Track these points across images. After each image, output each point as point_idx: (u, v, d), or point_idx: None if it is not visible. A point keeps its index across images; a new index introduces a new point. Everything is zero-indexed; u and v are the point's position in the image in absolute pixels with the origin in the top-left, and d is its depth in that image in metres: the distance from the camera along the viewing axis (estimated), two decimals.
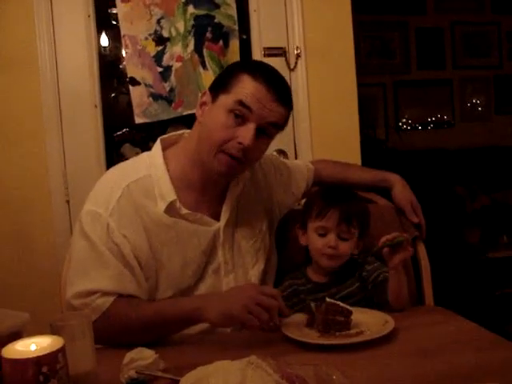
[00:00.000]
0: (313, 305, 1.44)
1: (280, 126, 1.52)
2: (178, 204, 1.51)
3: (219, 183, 1.58)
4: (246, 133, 1.44)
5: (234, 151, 1.46)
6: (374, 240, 1.62)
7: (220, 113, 1.46)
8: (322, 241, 1.59)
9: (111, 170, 1.63)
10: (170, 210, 1.50)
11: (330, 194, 1.64)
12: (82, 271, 1.46)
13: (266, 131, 1.49)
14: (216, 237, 1.57)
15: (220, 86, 1.50)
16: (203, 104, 1.53)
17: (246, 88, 1.45)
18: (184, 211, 1.51)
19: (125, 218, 1.47)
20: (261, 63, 1.64)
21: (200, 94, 1.56)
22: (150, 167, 1.54)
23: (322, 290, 1.60)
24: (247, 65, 1.62)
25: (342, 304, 1.40)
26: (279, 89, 1.49)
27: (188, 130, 1.66)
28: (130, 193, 1.49)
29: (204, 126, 1.51)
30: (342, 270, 1.62)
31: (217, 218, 1.59)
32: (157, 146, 1.59)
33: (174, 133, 1.68)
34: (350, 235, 1.59)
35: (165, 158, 1.56)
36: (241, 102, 1.44)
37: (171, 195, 1.50)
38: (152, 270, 1.49)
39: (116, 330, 1.41)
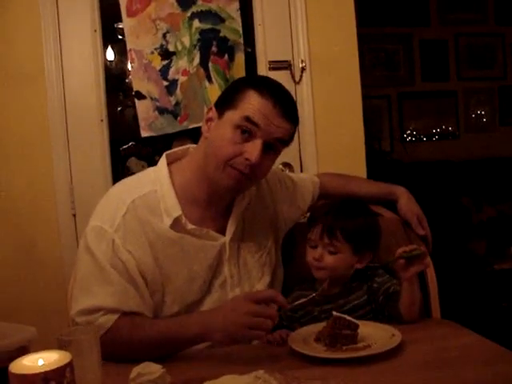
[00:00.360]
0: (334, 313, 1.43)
1: (286, 141, 1.52)
2: (183, 219, 1.51)
3: (225, 198, 1.59)
4: (254, 149, 1.45)
5: (241, 167, 1.46)
6: (382, 252, 1.62)
7: (226, 129, 1.47)
8: (311, 253, 1.61)
9: (116, 185, 1.63)
10: (176, 225, 1.50)
11: (318, 206, 1.70)
12: (86, 287, 1.46)
13: (273, 147, 1.50)
14: (222, 251, 1.57)
15: (226, 102, 1.50)
16: (209, 120, 1.53)
17: (253, 104, 1.45)
18: (190, 226, 1.52)
19: (130, 234, 1.47)
20: (267, 79, 1.63)
21: (206, 109, 1.57)
22: (155, 182, 1.54)
23: (330, 302, 1.60)
24: (253, 80, 1.62)
25: (348, 317, 1.40)
26: (286, 104, 1.49)
27: (193, 145, 1.67)
28: (135, 209, 1.49)
29: (210, 141, 1.51)
30: (350, 282, 1.62)
31: (222, 232, 1.59)
32: (162, 161, 1.59)
33: (179, 148, 1.68)
34: (336, 248, 1.59)
35: (170, 172, 1.56)
36: (248, 119, 1.44)
37: (177, 210, 1.50)
38: (158, 285, 1.50)
39: (120, 349, 1.40)
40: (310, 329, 1.49)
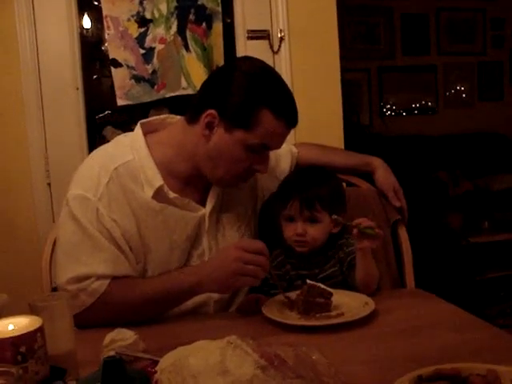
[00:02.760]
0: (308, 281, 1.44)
1: None
2: (165, 189, 1.50)
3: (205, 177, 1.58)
4: (265, 163, 1.53)
5: (250, 175, 1.57)
6: None
7: (238, 148, 1.47)
8: (291, 228, 1.59)
9: (95, 153, 1.60)
10: (158, 195, 1.50)
11: (291, 180, 1.66)
12: (74, 255, 1.44)
13: None
14: (201, 223, 1.57)
15: (237, 119, 1.45)
16: (210, 124, 1.47)
17: (269, 129, 1.45)
18: (172, 195, 1.51)
19: (114, 203, 1.46)
20: (274, 85, 1.51)
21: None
22: (132, 151, 1.52)
23: (305, 269, 1.60)
24: (264, 95, 1.46)
25: (322, 286, 1.40)
26: (294, 116, 1.53)
27: (171, 115, 1.65)
28: (118, 177, 1.47)
29: (217, 151, 1.49)
30: (325, 251, 1.62)
31: (202, 204, 1.58)
32: (137, 131, 1.57)
33: (155, 117, 1.66)
34: (317, 218, 1.58)
35: (147, 143, 1.54)
36: (264, 145, 1.48)
37: (158, 180, 1.49)
38: (141, 254, 1.49)
39: (114, 312, 1.40)
40: (284, 297, 1.49)
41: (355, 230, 1.47)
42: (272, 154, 1.76)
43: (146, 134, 1.56)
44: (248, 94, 1.45)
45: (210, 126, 1.47)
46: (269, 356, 0.98)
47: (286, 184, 1.66)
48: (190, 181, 1.57)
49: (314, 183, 1.61)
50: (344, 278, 1.59)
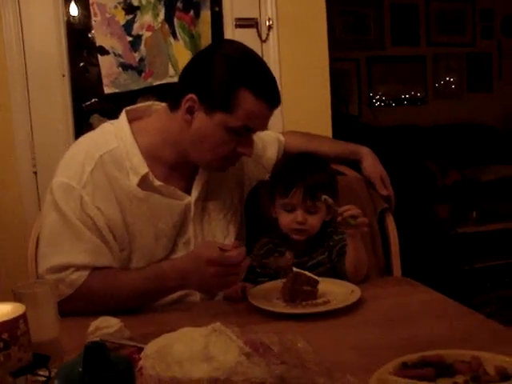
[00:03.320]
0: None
1: None
2: (150, 176, 1.49)
3: (192, 164, 1.57)
4: (249, 146, 1.51)
5: (235, 159, 1.55)
6: None
7: (220, 131, 1.45)
8: (290, 217, 1.59)
9: (81, 140, 1.59)
10: (143, 183, 1.49)
11: (293, 169, 1.63)
12: (55, 245, 1.44)
13: None
14: (187, 211, 1.57)
15: (216, 101, 1.44)
16: (191, 109, 1.46)
17: (249, 110, 1.43)
18: (157, 183, 1.50)
19: (98, 191, 1.45)
20: (253, 66, 1.49)
21: (185, 98, 1.44)
22: (117, 139, 1.51)
23: (294, 256, 1.59)
24: (243, 74, 1.44)
25: (308, 274, 1.41)
26: (276, 96, 1.50)
27: (157, 102, 1.63)
28: (102, 164, 1.46)
29: (199, 135, 1.47)
30: (315, 239, 1.62)
31: (188, 192, 1.58)
32: (122, 118, 1.56)
33: (140, 104, 1.65)
34: (318, 208, 1.59)
35: (132, 131, 1.53)
36: (246, 127, 1.45)
37: (144, 168, 1.48)
38: (125, 243, 1.49)
39: (93, 303, 1.40)
40: (271, 285, 1.50)
41: (339, 218, 1.48)
42: (259, 141, 1.76)
43: (131, 121, 1.55)
44: (227, 75, 1.44)
45: (190, 111, 1.46)
46: (253, 343, 0.98)
47: (287, 173, 1.63)
48: (175, 168, 1.56)
49: (316, 173, 1.61)
50: (332, 265, 1.59)
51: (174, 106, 1.51)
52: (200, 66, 1.49)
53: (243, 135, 1.48)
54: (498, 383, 0.88)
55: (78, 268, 1.41)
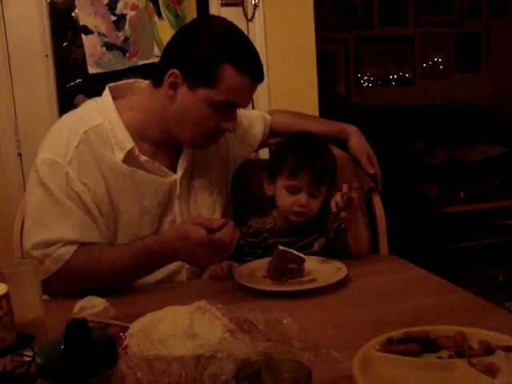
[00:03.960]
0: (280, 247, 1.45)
1: None
2: (136, 152, 1.48)
3: (176, 141, 1.56)
4: (232, 121, 1.49)
5: (219, 135, 1.53)
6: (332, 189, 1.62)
7: (203, 106, 1.44)
8: (292, 198, 1.57)
9: (65, 116, 1.56)
10: (128, 158, 1.48)
11: (303, 151, 1.60)
12: (41, 221, 1.42)
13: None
14: (172, 189, 1.56)
15: (198, 75, 1.42)
16: (174, 84, 1.45)
17: (232, 84, 1.41)
18: (143, 158, 1.49)
19: (84, 166, 1.43)
20: (236, 40, 1.47)
21: (168, 73, 1.43)
22: (102, 115, 1.50)
23: (284, 236, 1.60)
24: (226, 50, 1.43)
25: (294, 252, 1.41)
26: (259, 71, 1.48)
27: (140, 80, 1.62)
28: (87, 140, 1.45)
29: (182, 111, 1.46)
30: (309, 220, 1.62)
31: (173, 169, 1.57)
32: (106, 95, 1.54)
33: (123, 81, 1.63)
34: (320, 192, 1.59)
35: (116, 107, 1.51)
36: (228, 102, 1.44)
37: (129, 143, 1.47)
38: (110, 219, 1.48)
39: (80, 279, 1.39)
40: (257, 264, 1.49)
41: (342, 213, 1.48)
42: (245, 120, 1.75)
43: (115, 98, 1.54)
44: (210, 50, 1.42)
45: (173, 87, 1.45)
46: (238, 320, 0.98)
47: (296, 155, 1.59)
48: (160, 145, 1.55)
49: (324, 157, 1.61)
50: (328, 245, 1.60)
51: (157, 82, 1.49)
52: (182, 41, 1.48)
53: (226, 110, 1.47)
54: (483, 357, 0.89)
55: (66, 243, 1.39)
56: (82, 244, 1.41)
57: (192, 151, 1.60)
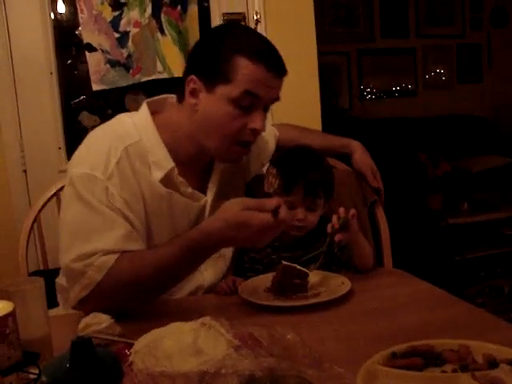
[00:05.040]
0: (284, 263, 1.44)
1: (279, 98, 1.50)
2: (175, 172, 1.46)
3: (206, 159, 1.55)
4: (259, 119, 1.43)
5: (248, 138, 1.46)
6: (335, 203, 1.62)
7: (224, 105, 1.41)
8: (291, 213, 1.56)
9: (99, 131, 1.50)
10: (166, 178, 1.45)
11: (292, 167, 1.60)
12: (83, 235, 1.35)
13: (268, 107, 1.49)
14: (202, 211, 1.55)
15: (214, 74, 1.41)
16: (194, 91, 1.44)
17: (248, 74, 1.38)
18: (180, 179, 1.47)
19: (125, 183, 1.39)
20: (247, 34, 1.49)
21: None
22: (138, 132, 1.46)
23: (288, 250, 1.60)
24: (237, 43, 1.42)
25: (298, 267, 1.40)
26: (275, 60, 1.44)
27: (171, 95, 1.58)
28: (128, 156, 1.41)
29: (205, 117, 1.44)
30: (309, 233, 1.62)
31: (201, 190, 1.55)
32: (144, 110, 1.51)
33: (158, 96, 1.60)
34: (317, 206, 1.59)
35: (155, 124, 1.49)
36: (248, 92, 1.39)
37: (169, 163, 1.45)
38: (144, 238, 1.44)
39: (124, 286, 1.33)
40: (261, 279, 1.50)
41: (337, 236, 1.47)
42: (259, 138, 1.73)
43: (152, 114, 1.51)
44: (220, 45, 1.42)
45: (194, 94, 1.44)
46: (242, 336, 0.98)
47: (287, 170, 1.59)
48: (188, 165, 1.52)
49: (316, 170, 1.60)
50: (333, 259, 1.60)
51: (180, 96, 1.48)
52: (195, 50, 1.49)
53: (251, 109, 1.43)
54: (487, 371, 0.89)
55: (107, 252, 1.33)
56: (124, 252, 1.36)
57: (220, 173, 1.59)
